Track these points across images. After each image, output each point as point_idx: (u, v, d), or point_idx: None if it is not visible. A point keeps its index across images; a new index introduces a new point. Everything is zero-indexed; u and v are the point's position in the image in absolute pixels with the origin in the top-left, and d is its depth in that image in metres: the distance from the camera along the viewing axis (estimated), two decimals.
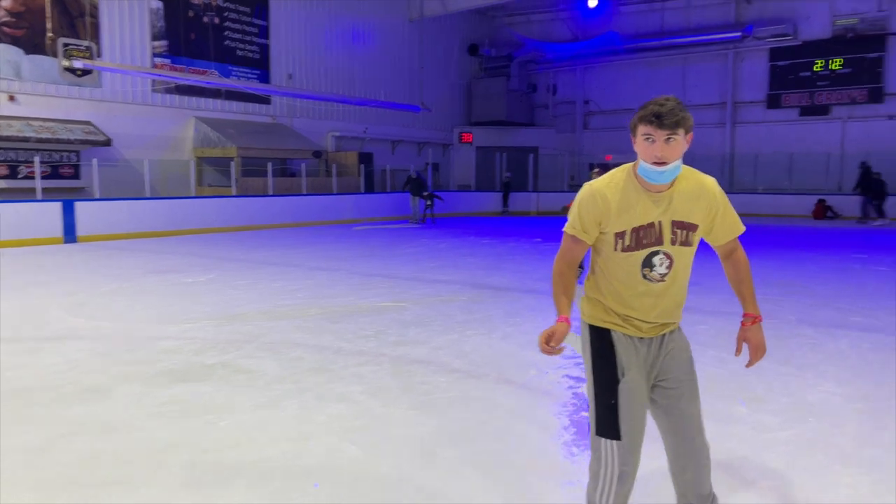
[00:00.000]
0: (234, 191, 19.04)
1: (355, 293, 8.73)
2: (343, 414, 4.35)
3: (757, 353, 2.47)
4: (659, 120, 2.24)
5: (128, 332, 6.62)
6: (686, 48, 27.42)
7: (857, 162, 24.23)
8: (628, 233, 2.36)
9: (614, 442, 2.34)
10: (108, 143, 17.69)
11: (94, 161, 16.39)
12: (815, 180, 25.07)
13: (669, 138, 2.24)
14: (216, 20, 20.60)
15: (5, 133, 15.92)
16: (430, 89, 26.51)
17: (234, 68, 21.13)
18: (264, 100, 22.02)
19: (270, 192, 19.63)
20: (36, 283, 9.47)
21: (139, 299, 8.35)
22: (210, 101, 20.53)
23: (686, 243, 2.37)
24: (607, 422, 2.36)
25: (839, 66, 25.09)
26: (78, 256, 12.66)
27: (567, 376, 5.19)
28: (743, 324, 2.47)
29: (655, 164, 2.27)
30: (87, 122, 17.77)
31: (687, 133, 2.29)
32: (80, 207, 15.31)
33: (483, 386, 4.99)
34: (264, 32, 21.97)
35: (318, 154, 22.14)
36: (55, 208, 14.88)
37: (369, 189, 23.45)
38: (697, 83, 27.67)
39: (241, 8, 21.28)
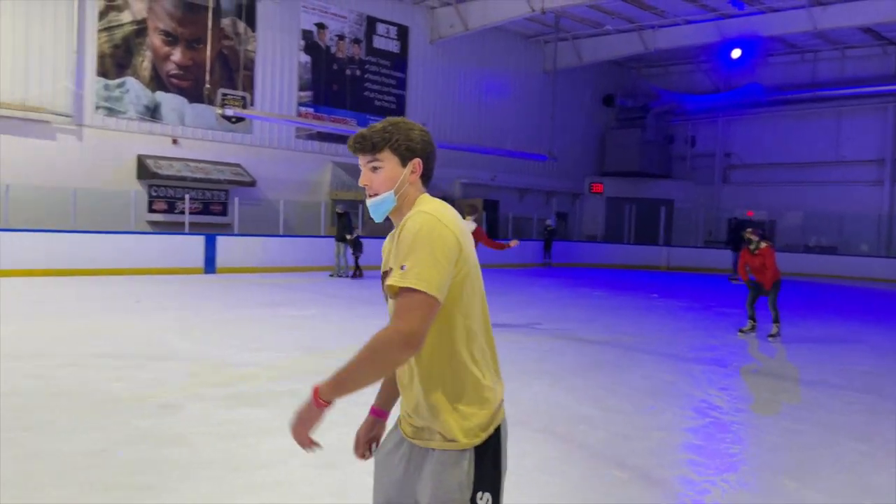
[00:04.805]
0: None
1: None
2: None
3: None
4: (354, 145, 1.90)
5: (220, 357, 7.18)
6: (840, 101, 25.74)
7: None
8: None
9: None
10: (253, 183, 19.30)
11: (236, 200, 17.94)
12: None
13: (374, 167, 1.88)
14: (358, 72, 22.06)
15: (166, 172, 17.83)
16: (560, 139, 26.63)
17: (372, 117, 22.41)
18: None
19: None
20: (163, 308, 10.49)
21: (242, 328, 9.02)
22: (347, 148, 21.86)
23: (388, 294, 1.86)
24: None
25: None
26: (209, 286, 13.84)
27: (618, 434, 5.03)
28: None
29: (368, 195, 1.91)
30: (237, 165, 19.50)
31: (404, 158, 1.88)
32: (221, 241, 16.75)
33: (523, 434, 4.94)
34: (402, 84, 23.20)
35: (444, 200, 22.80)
36: (199, 241, 16.39)
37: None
38: (852, 137, 25.83)
39: (382, 61, 22.66)
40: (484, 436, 1.83)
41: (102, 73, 17.23)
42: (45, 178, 15.89)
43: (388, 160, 1.87)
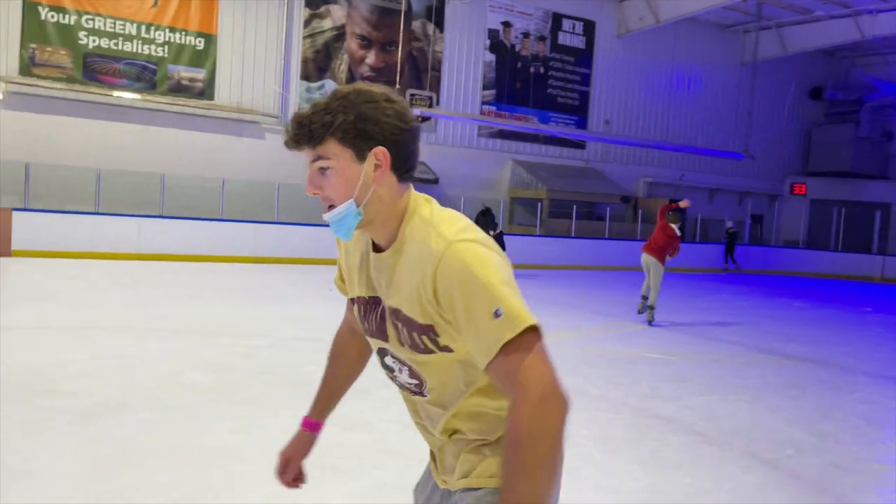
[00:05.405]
0: (538, 230, 19.87)
1: (625, 339, 8.54)
2: None
3: None
4: (289, 135, 1.35)
5: None
6: None
7: None
8: (355, 302, 1.55)
9: None
10: (436, 181, 19.84)
11: None
12: None
13: (321, 167, 1.34)
14: (541, 69, 21.91)
15: None
16: (757, 136, 24.67)
17: (554, 114, 22.17)
18: (579, 145, 22.68)
19: (573, 234, 20.07)
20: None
21: None
22: (528, 146, 21.83)
23: (419, 348, 1.38)
24: None
25: None
26: None
27: (834, 465, 4.48)
28: None
29: (324, 206, 1.37)
30: (422, 163, 20.16)
31: (359, 148, 1.31)
32: None
33: (721, 454, 4.55)
34: (586, 80, 22.70)
35: (626, 199, 22.02)
36: None
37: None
38: None
39: (566, 58, 22.31)
40: None
41: (305, 76, 18.56)
42: (253, 173, 17.42)
43: (336, 156, 1.32)
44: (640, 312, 10.01)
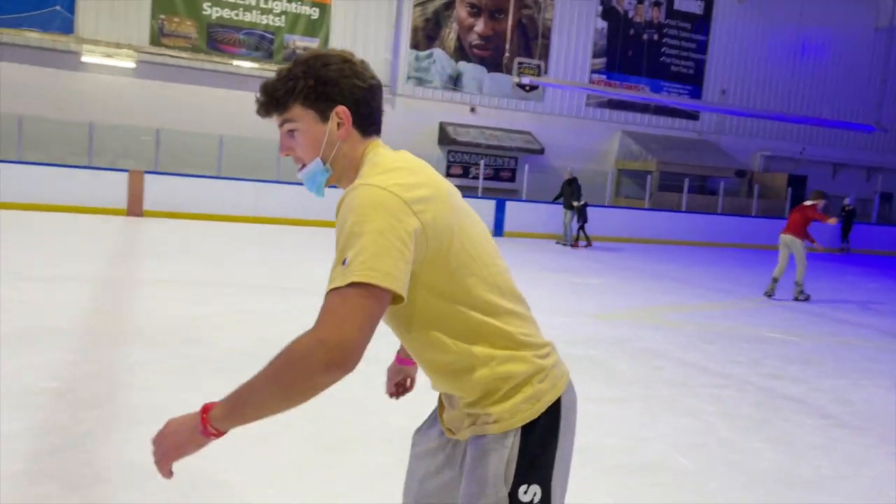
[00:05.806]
0: (646, 204, 19.33)
1: (742, 317, 8.24)
2: (685, 428, 4.28)
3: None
4: (257, 104, 1.47)
5: None
6: None
7: None
8: None
9: None
10: (541, 151, 19.63)
11: (526, 167, 18.41)
12: None
13: (290, 130, 1.46)
14: (655, 37, 21.11)
15: (463, 139, 18.90)
16: (890, 107, 22.89)
17: (666, 84, 21.37)
18: (692, 115, 21.80)
19: (683, 209, 19.38)
20: None
21: (531, 292, 9.21)
22: (638, 116, 21.18)
23: None
24: None
25: None
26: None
27: None
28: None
29: (297, 167, 1.51)
30: (527, 133, 19.97)
31: (322, 110, 1.42)
32: (510, 206, 17.36)
33: (858, 440, 4.34)
34: (702, 48, 21.70)
35: (741, 173, 21.04)
36: (490, 206, 17.15)
37: None
38: None
39: (682, 24, 21.39)
40: (535, 410, 1.42)
41: (415, 45, 18.70)
42: None
43: (302, 118, 1.44)
44: (767, 295, 9.90)
